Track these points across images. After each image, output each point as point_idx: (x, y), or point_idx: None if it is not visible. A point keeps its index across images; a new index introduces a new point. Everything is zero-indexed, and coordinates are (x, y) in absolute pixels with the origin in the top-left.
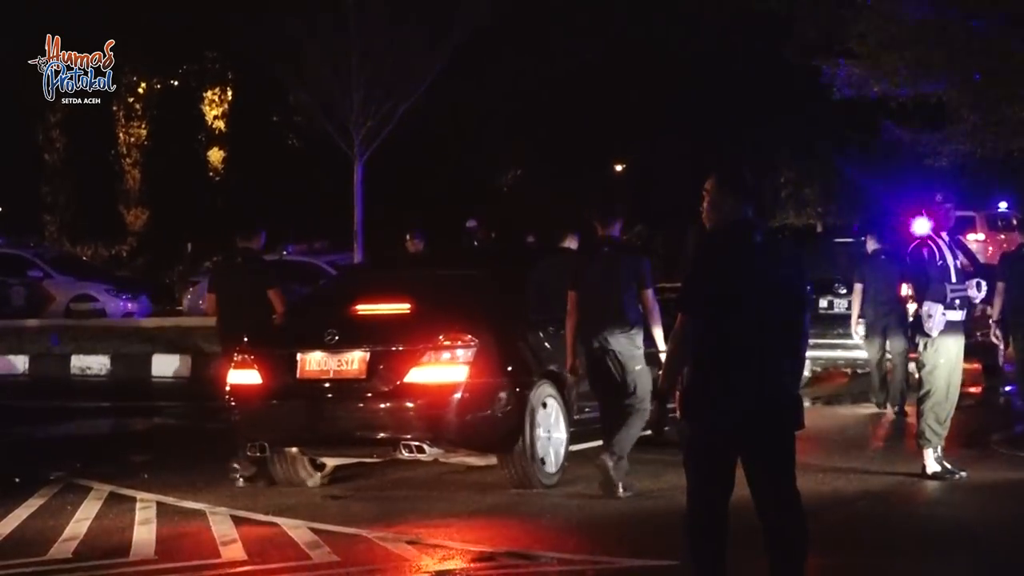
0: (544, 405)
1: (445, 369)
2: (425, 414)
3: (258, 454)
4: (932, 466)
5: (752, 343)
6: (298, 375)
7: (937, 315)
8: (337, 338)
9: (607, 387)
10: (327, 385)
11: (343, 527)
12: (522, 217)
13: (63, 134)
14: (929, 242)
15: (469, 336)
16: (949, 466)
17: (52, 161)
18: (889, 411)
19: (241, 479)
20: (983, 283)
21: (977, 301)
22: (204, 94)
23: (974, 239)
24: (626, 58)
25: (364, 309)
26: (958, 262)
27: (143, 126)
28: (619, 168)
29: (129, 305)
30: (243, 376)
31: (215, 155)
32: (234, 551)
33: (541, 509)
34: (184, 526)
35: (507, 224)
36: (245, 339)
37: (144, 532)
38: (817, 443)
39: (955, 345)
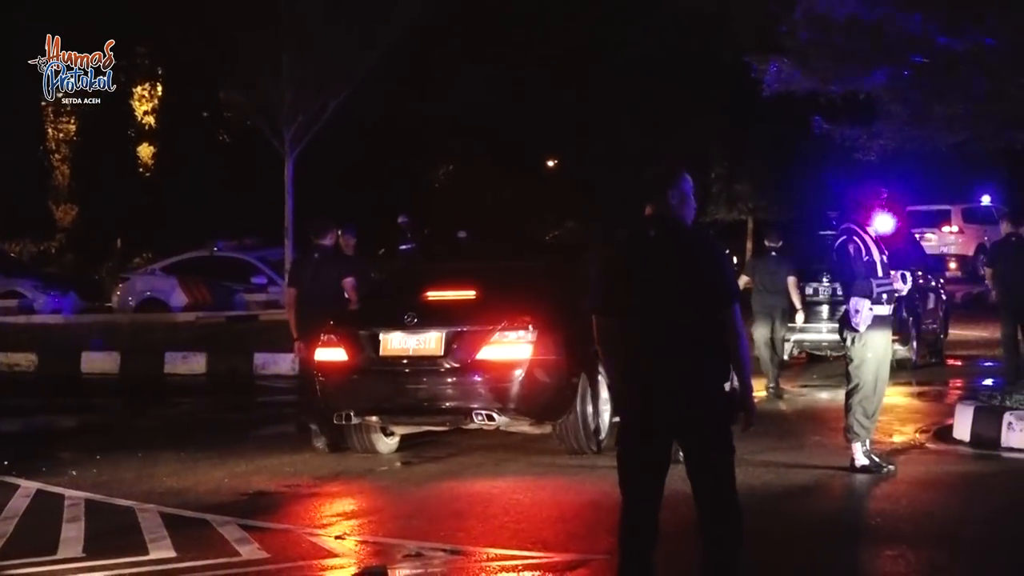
0: (593, 383)
1: (512, 348)
2: (494, 387)
3: (343, 422)
4: (861, 460)
5: (664, 339)
6: (381, 353)
7: (864, 310)
8: (416, 320)
9: None
10: (406, 361)
11: (272, 523)
12: (455, 213)
13: None
14: (855, 237)
15: (532, 319)
16: (877, 459)
17: None
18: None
19: (320, 443)
20: (908, 275)
21: (903, 293)
22: (134, 89)
23: (949, 231)
24: (559, 56)
25: (437, 295)
26: (884, 256)
27: (72, 122)
28: (551, 164)
29: (57, 301)
30: (330, 354)
31: (145, 151)
32: (163, 548)
33: (473, 503)
34: (113, 523)
35: (440, 220)
36: (331, 322)
37: (72, 530)
38: (746, 436)
39: (882, 339)
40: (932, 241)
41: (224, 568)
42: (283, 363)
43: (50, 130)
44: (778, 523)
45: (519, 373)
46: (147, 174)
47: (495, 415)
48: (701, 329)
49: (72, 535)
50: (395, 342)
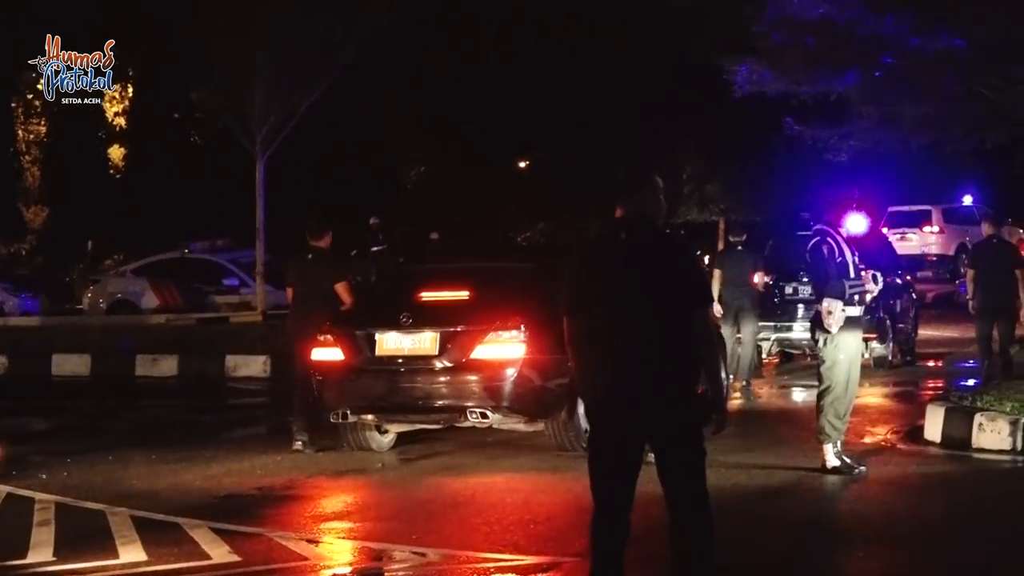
0: None
1: (505, 347)
2: (488, 385)
3: (340, 420)
4: (832, 461)
5: (634, 340)
6: (376, 352)
7: (837, 311)
8: (411, 320)
9: None
10: (401, 361)
11: (243, 526)
12: (426, 213)
13: None
14: (828, 238)
15: (524, 319)
16: (849, 460)
17: None
18: (736, 384)
19: (300, 443)
20: (879, 275)
21: (875, 294)
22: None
23: (930, 231)
24: (531, 56)
25: (432, 296)
26: (855, 257)
27: (42, 123)
28: (523, 165)
29: (29, 304)
30: (327, 353)
31: (116, 152)
32: (134, 552)
33: (447, 504)
34: (83, 527)
35: (411, 220)
36: (327, 323)
37: (43, 534)
38: (718, 437)
39: (854, 340)
40: (913, 241)
41: (195, 572)
42: (254, 365)
43: (20, 132)
44: (749, 524)
45: (512, 372)
46: (118, 176)
47: (488, 413)
48: (672, 331)
49: (42, 539)
50: (391, 342)
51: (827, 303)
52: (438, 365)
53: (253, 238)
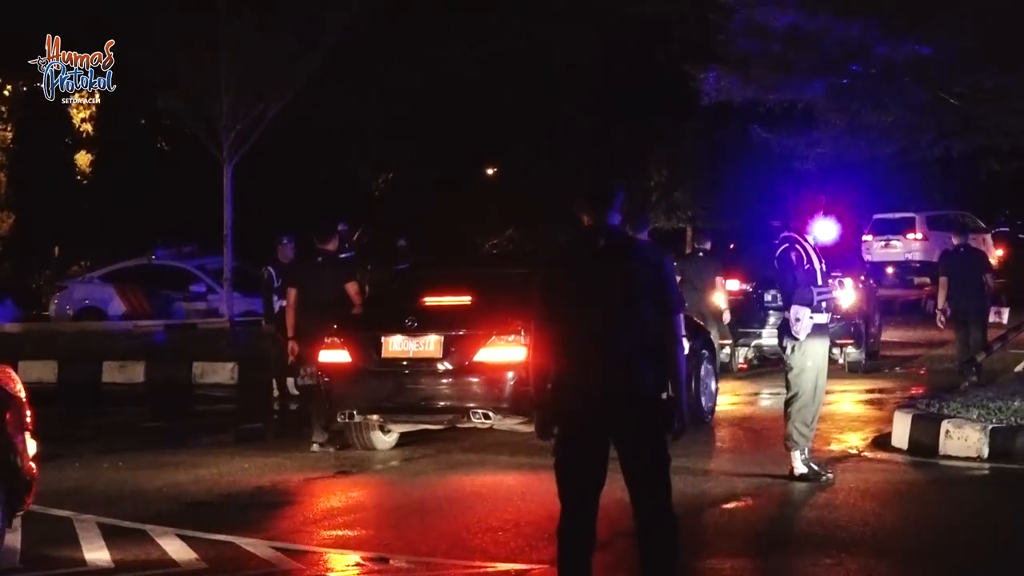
0: None
1: (506, 351)
2: (489, 387)
3: (346, 420)
4: (799, 468)
5: (601, 345)
6: (382, 354)
7: (805, 318)
8: (416, 324)
9: None
10: (406, 363)
11: (211, 533)
12: (394, 220)
13: None
14: (796, 245)
15: (524, 324)
16: (816, 468)
17: None
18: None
19: (316, 445)
20: (846, 282)
21: (841, 300)
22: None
23: (914, 238)
24: (498, 62)
25: (436, 300)
26: (823, 264)
27: (8, 129)
28: (491, 172)
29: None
30: (334, 355)
31: (83, 159)
32: (101, 559)
33: (414, 511)
34: (50, 534)
35: (379, 227)
36: (335, 325)
37: (9, 541)
38: (685, 445)
39: (821, 347)
40: (897, 248)
41: None
42: (222, 372)
43: None
44: (716, 531)
45: (512, 375)
46: (85, 182)
47: (490, 414)
48: (644, 337)
49: (9, 546)
50: (396, 345)
51: (795, 310)
52: (441, 367)
53: (220, 244)
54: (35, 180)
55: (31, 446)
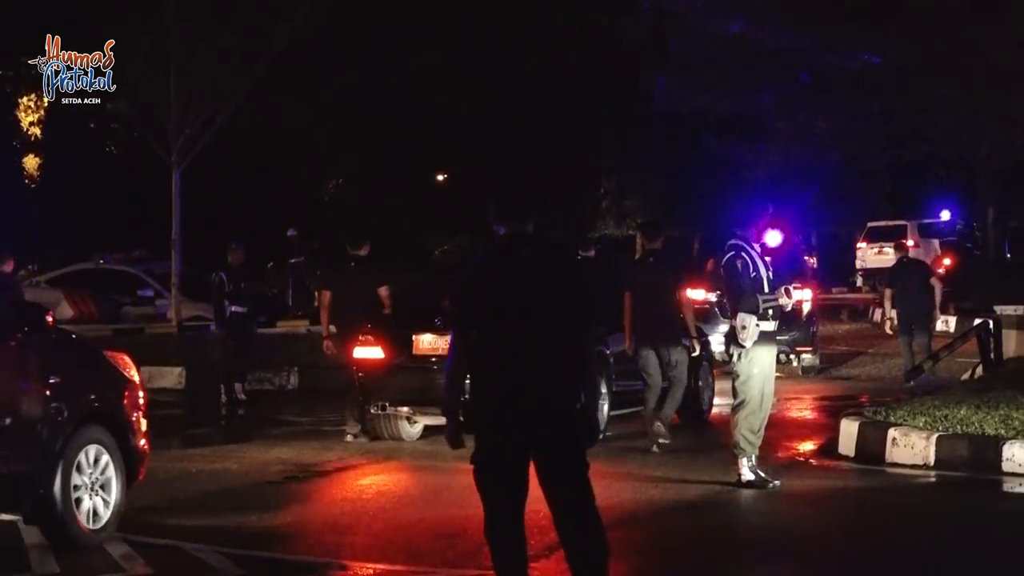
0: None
1: None
2: None
3: (379, 412)
4: (747, 475)
5: (521, 355)
6: (413, 351)
7: (751, 326)
8: (444, 323)
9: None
10: (435, 359)
11: (158, 539)
12: (344, 226)
13: None
14: (743, 253)
15: None
16: (763, 475)
17: None
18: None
19: (351, 436)
20: (792, 290)
21: (788, 308)
22: (19, 100)
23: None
24: (450, 69)
25: None
26: (769, 272)
27: None
28: (441, 178)
29: None
30: (369, 352)
31: (31, 162)
32: (47, 564)
33: (360, 517)
34: None
35: (328, 233)
36: (368, 325)
37: None
38: (632, 451)
39: (768, 355)
40: (889, 255)
41: None
42: (169, 376)
43: None
44: (663, 538)
45: None
46: (32, 185)
47: None
48: (563, 347)
49: None
50: (426, 342)
51: (741, 317)
52: None
53: (169, 249)
54: None
55: (143, 424)
